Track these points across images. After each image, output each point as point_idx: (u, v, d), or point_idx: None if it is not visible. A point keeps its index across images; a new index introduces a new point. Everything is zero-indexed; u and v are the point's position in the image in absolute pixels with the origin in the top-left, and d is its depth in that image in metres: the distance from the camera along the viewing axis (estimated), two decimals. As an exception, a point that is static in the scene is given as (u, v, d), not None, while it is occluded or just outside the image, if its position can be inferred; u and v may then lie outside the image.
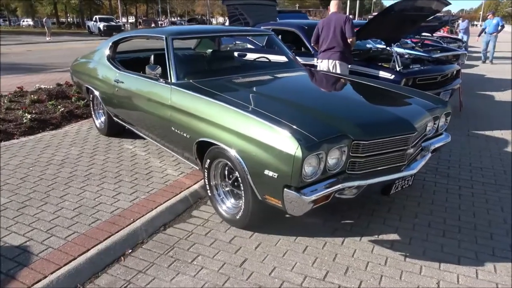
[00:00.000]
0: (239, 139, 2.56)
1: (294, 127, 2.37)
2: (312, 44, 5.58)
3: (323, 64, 5.17)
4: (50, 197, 3.26)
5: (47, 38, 25.98)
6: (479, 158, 4.31)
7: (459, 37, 14.58)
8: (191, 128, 3.00)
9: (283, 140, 2.30)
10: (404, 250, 2.63)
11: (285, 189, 2.30)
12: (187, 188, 3.44)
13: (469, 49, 16.11)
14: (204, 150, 2.96)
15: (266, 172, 2.38)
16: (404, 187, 2.80)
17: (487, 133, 5.28)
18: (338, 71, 5.06)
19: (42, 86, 7.17)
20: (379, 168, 2.60)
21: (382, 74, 5.21)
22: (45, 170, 3.82)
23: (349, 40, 5.03)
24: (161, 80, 3.44)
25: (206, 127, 2.84)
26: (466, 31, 15.23)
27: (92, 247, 2.56)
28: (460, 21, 16.16)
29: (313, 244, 2.70)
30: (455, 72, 6.04)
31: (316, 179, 2.34)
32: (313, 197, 2.27)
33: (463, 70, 6.86)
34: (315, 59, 5.46)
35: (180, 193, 3.34)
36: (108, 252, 2.56)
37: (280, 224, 2.89)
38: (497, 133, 5.23)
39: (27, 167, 3.89)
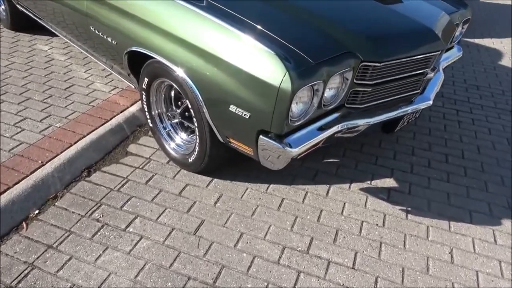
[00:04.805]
0: (191, 54, 1.67)
1: (279, 39, 1.52)
2: None
3: None
4: None
5: None
6: (473, 74, 3.71)
7: None
8: (117, 30, 2.02)
9: (261, 61, 1.46)
10: (404, 202, 2.08)
11: (260, 136, 1.55)
12: (121, 112, 2.56)
13: None
14: (140, 64, 2.05)
15: (233, 108, 1.58)
16: (410, 121, 2.15)
17: (477, 41, 4.64)
18: None
19: None
20: (386, 99, 1.88)
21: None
22: None
23: None
24: (71, -50, 2.28)
25: (140, 30, 1.89)
26: None
27: (-24, 210, 1.76)
28: None
29: (291, 195, 2.06)
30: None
31: (306, 120, 1.59)
32: (302, 148, 1.55)
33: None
34: None
35: (111, 119, 2.48)
36: (3, 217, 1.77)
37: (247, 166, 2.20)
38: (488, 42, 4.60)
39: None
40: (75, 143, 2.23)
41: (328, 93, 1.62)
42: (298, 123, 1.55)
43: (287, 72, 1.39)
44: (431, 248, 1.82)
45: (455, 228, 1.94)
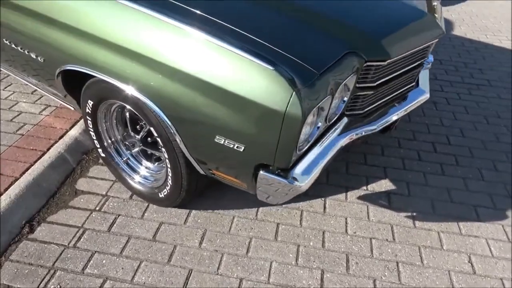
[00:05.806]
0: (152, 71, 1.28)
1: (271, 46, 1.18)
2: None
3: None
4: None
5: None
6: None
7: None
8: (43, 43, 1.55)
9: (254, 79, 1.12)
10: (407, 206, 1.89)
11: (261, 172, 1.23)
12: (60, 138, 2.09)
13: None
14: (79, 82, 1.60)
15: (219, 140, 1.23)
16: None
17: (425, 11, 4.57)
18: None
19: None
20: (386, 98, 1.63)
21: None
22: None
23: None
24: None
25: (73, 42, 1.44)
26: None
27: None
28: None
29: (285, 218, 1.78)
30: None
31: (310, 143, 1.29)
32: (312, 179, 1.26)
33: None
34: None
35: (49, 149, 2.00)
36: None
37: (228, 187, 1.87)
38: (435, 11, 4.56)
39: None
40: (6, 190, 1.75)
41: (333, 105, 1.33)
42: (304, 149, 1.25)
43: (293, 92, 1.07)
44: (449, 259, 1.64)
45: (465, 230, 1.79)
